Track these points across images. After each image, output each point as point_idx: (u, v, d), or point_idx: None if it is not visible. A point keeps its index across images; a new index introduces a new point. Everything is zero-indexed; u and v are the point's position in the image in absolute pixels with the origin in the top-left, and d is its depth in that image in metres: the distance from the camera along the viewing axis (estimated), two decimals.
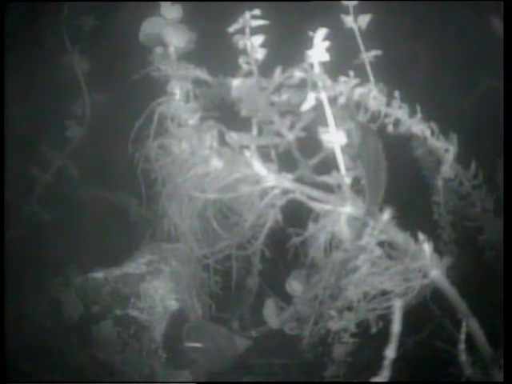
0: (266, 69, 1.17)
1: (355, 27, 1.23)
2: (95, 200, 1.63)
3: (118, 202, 1.62)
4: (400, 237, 1.16)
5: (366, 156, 1.16)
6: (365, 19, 1.23)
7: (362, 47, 1.24)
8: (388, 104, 1.19)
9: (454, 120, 1.28)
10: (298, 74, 1.14)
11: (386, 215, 1.14)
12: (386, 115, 1.19)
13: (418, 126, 1.21)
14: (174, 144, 1.25)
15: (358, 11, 1.24)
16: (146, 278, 1.38)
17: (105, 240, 1.55)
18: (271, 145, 1.18)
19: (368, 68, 1.22)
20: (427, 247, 1.14)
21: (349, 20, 1.23)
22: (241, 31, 1.16)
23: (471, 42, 1.51)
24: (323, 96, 1.15)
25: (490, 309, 1.21)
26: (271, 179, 1.17)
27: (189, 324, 1.33)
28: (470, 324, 1.14)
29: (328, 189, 1.17)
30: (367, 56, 1.22)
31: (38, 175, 1.60)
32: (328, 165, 1.18)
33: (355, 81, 1.16)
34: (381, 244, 1.16)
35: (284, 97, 1.16)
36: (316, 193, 1.17)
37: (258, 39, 1.16)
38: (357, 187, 1.16)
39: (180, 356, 1.32)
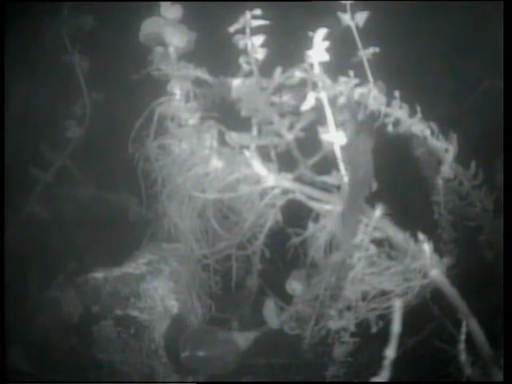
0: (266, 69, 1.17)
1: (352, 25, 1.22)
2: (95, 200, 1.63)
3: (118, 202, 1.62)
4: (400, 236, 1.16)
5: (353, 154, 1.16)
6: (362, 16, 1.23)
7: (359, 45, 1.24)
8: (388, 104, 1.19)
9: (454, 120, 1.28)
10: (297, 74, 1.14)
11: (378, 212, 1.14)
12: (386, 115, 1.19)
13: (418, 126, 1.21)
14: (174, 144, 1.24)
15: (356, 9, 1.24)
16: (146, 278, 1.38)
17: (105, 240, 1.55)
18: (271, 145, 1.18)
19: (366, 66, 1.22)
20: (427, 247, 1.14)
21: (346, 18, 1.23)
22: (241, 31, 1.15)
23: (471, 41, 1.51)
24: (323, 96, 1.15)
25: (490, 309, 1.21)
26: (271, 179, 1.17)
27: (185, 334, 1.33)
28: (470, 324, 1.14)
29: (328, 189, 1.18)
30: (365, 54, 1.22)
31: (38, 175, 1.60)
32: (328, 165, 1.18)
33: (355, 81, 1.16)
34: (380, 243, 1.16)
35: (284, 97, 1.16)
36: (316, 193, 1.17)
37: (259, 39, 1.16)
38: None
39: (181, 366, 1.32)
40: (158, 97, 1.27)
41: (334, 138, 1.17)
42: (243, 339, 1.31)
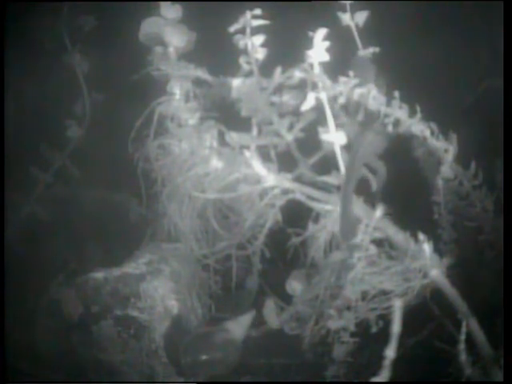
0: (266, 69, 1.17)
1: (352, 25, 1.23)
2: (95, 200, 1.63)
3: (118, 202, 1.62)
4: (400, 236, 1.16)
5: (353, 151, 1.16)
6: (362, 16, 1.23)
7: (359, 45, 1.24)
8: (388, 104, 1.19)
9: (454, 120, 1.28)
10: (297, 74, 1.14)
11: (379, 212, 1.14)
12: (386, 115, 1.18)
13: (418, 126, 1.21)
14: (174, 144, 1.25)
15: (356, 9, 1.24)
16: (146, 278, 1.37)
17: (105, 240, 1.55)
18: (271, 145, 1.18)
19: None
20: (427, 247, 1.15)
21: (346, 18, 1.23)
22: (241, 31, 1.15)
23: (471, 41, 1.51)
24: (323, 96, 1.15)
25: (490, 309, 1.20)
26: (271, 179, 1.18)
27: (184, 341, 1.32)
28: (470, 324, 1.14)
29: (328, 189, 1.18)
30: (365, 53, 1.22)
31: (38, 175, 1.60)
32: (328, 165, 1.18)
33: (355, 81, 1.16)
34: (380, 243, 1.16)
35: (284, 97, 1.17)
36: (316, 193, 1.17)
37: (259, 39, 1.16)
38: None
39: (181, 368, 1.32)
40: (158, 97, 1.27)
41: (334, 137, 1.17)
42: (238, 327, 1.31)
